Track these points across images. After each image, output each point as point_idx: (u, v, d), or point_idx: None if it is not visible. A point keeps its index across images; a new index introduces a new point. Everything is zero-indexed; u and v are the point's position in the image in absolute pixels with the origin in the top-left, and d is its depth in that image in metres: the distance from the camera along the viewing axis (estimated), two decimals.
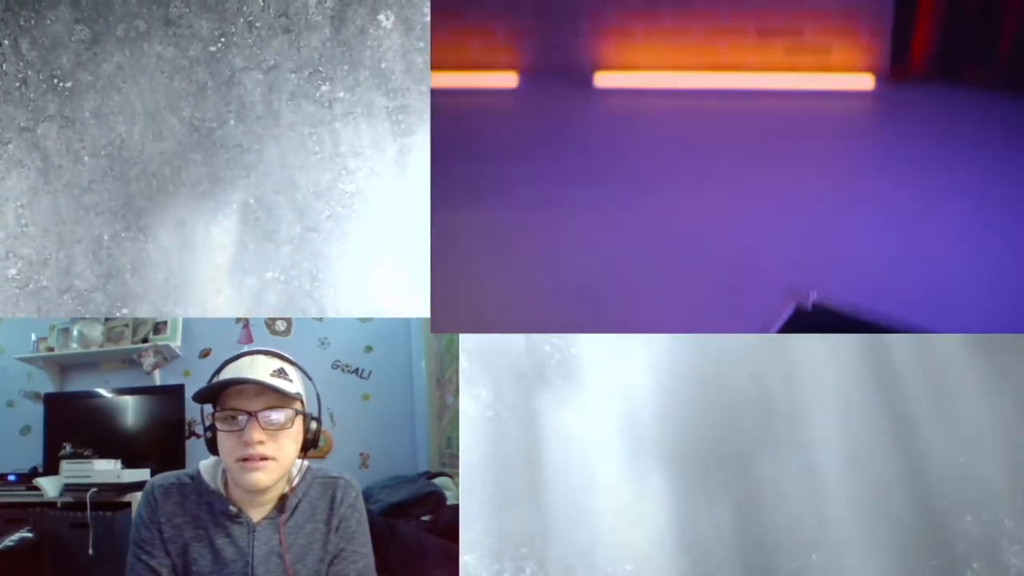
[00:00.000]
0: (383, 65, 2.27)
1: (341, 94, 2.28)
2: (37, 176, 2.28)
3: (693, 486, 2.34)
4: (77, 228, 2.25)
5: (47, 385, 3.83)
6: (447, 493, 3.07)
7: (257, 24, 2.24)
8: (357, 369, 3.72)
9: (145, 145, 2.25)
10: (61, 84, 2.22)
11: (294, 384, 1.74)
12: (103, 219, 2.25)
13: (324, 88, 2.29)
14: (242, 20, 2.24)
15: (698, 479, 2.35)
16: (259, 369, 1.70)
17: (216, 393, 1.70)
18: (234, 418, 1.67)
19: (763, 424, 2.37)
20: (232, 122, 2.24)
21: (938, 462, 2.34)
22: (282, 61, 2.27)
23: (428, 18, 2.30)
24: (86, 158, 2.27)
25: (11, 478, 3.37)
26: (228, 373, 1.70)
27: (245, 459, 1.66)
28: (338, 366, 3.71)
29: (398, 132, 2.30)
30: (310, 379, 1.82)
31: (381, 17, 2.27)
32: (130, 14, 2.20)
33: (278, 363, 1.73)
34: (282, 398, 1.69)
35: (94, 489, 3.09)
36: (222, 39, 2.24)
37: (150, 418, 3.63)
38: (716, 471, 2.35)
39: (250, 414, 1.66)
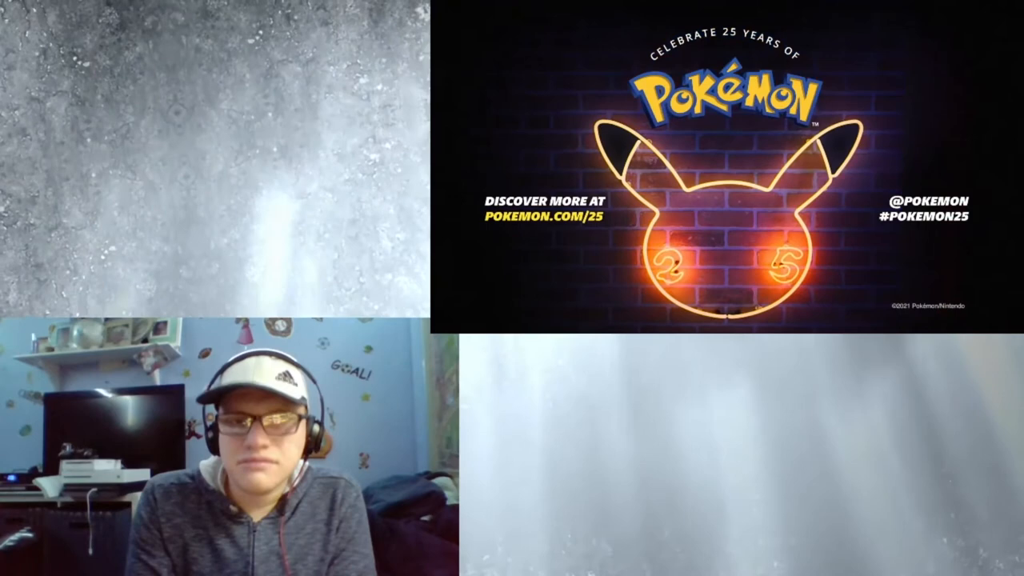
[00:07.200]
0: (421, 58, 2.30)
1: (379, 87, 2.30)
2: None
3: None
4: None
5: (47, 385, 3.83)
6: (447, 493, 3.07)
7: (296, 17, 2.26)
8: (357, 369, 3.72)
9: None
10: (80, 63, 2.23)
11: (299, 388, 1.74)
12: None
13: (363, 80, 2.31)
14: (280, 12, 2.25)
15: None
16: (264, 372, 1.70)
17: (220, 395, 1.70)
18: (239, 421, 1.67)
19: None
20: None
21: None
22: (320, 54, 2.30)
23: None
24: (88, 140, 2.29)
25: (11, 478, 3.37)
26: (233, 374, 1.70)
27: (247, 460, 1.66)
28: (338, 366, 3.70)
29: None
30: (314, 381, 1.82)
31: (419, 10, 2.29)
32: (168, 6, 2.21)
33: (283, 366, 1.73)
34: (287, 403, 1.69)
35: (94, 489, 3.09)
36: (260, 32, 2.25)
37: (150, 418, 3.63)
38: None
39: (255, 418, 1.67)
